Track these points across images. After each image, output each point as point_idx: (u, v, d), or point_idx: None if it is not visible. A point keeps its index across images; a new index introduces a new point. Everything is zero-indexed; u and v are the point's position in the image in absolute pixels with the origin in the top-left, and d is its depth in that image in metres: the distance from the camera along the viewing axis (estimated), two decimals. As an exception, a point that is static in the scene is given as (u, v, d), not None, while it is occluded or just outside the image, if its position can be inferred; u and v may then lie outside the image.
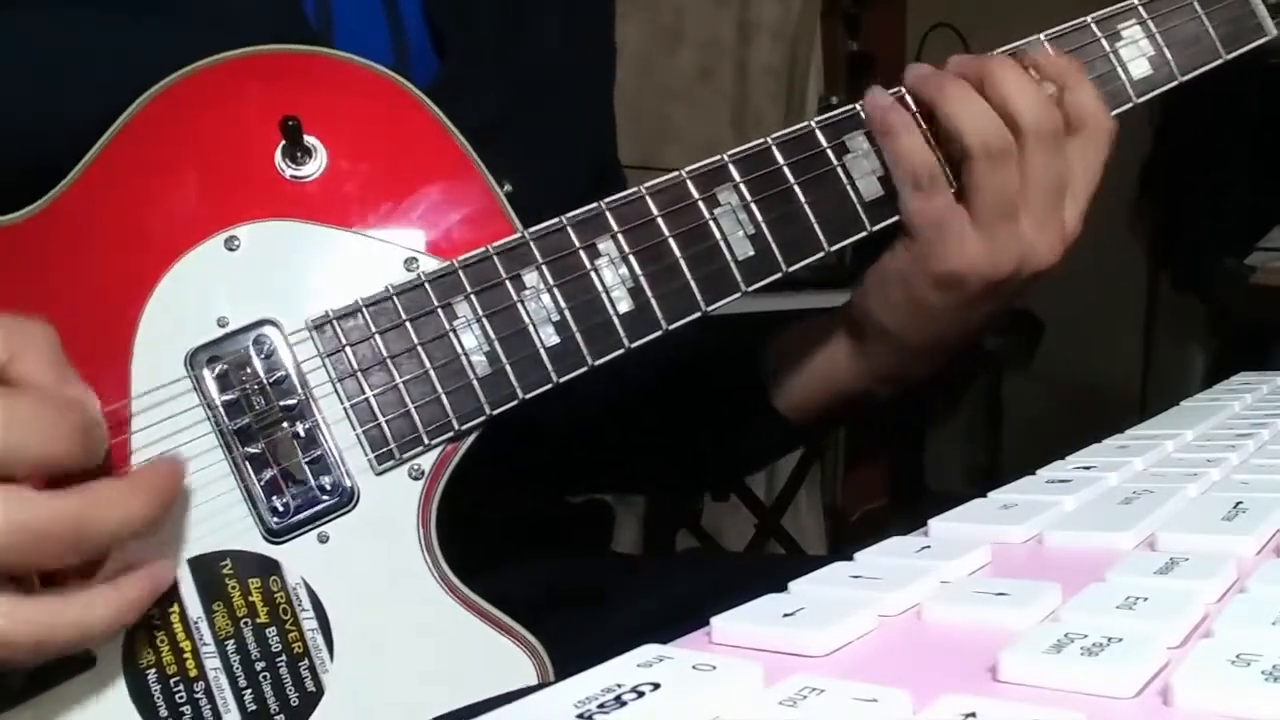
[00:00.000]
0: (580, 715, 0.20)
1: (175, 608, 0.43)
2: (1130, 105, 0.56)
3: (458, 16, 0.57)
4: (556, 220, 0.48)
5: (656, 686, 0.21)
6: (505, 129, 0.55)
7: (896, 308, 0.55)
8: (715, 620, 0.26)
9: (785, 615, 0.26)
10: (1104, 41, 0.56)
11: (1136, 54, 0.56)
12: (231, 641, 0.43)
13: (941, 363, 0.59)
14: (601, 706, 0.20)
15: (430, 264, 0.47)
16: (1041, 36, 0.55)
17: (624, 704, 0.20)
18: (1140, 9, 0.57)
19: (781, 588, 0.29)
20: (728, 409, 0.66)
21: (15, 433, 0.35)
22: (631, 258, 0.48)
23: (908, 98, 0.53)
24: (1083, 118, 0.53)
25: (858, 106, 0.53)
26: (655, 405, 0.66)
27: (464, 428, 0.46)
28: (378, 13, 0.56)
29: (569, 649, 0.45)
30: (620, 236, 0.48)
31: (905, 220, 0.53)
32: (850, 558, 0.31)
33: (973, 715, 0.20)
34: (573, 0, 0.64)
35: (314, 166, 0.47)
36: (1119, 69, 0.56)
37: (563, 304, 0.47)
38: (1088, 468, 0.42)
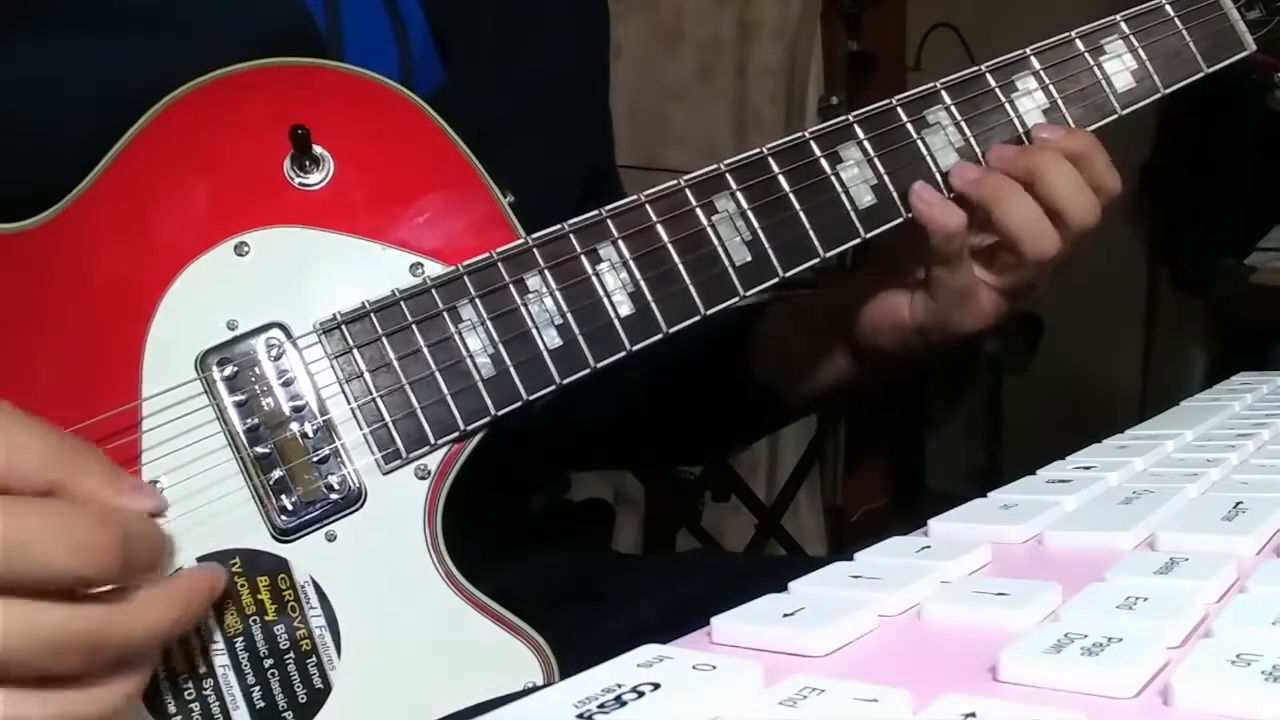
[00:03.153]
0: (580, 715, 0.20)
1: (184, 606, 0.43)
2: (1115, 117, 0.57)
3: (461, 25, 0.58)
4: (559, 226, 0.49)
5: (656, 686, 0.21)
6: (507, 136, 0.56)
7: (906, 344, 0.59)
8: (715, 620, 0.26)
9: (785, 615, 0.26)
10: (1088, 56, 0.57)
11: (1120, 68, 0.57)
12: (240, 639, 0.43)
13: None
14: (601, 706, 0.20)
15: (436, 269, 0.47)
16: (1028, 51, 0.56)
17: (624, 704, 0.20)
18: (1122, 24, 0.58)
19: (781, 588, 0.29)
20: (717, 392, 0.68)
21: (45, 548, 0.34)
22: (632, 263, 0.49)
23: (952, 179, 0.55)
24: (1100, 188, 0.55)
25: (854, 119, 0.54)
26: (646, 383, 0.67)
27: (470, 428, 0.46)
28: (383, 22, 0.57)
29: (569, 649, 0.45)
30: (621, 242, 0.49)
31: (930, 287, 0.56)
32: (850, 558, 0.31)
33: (973, 715, 0.20)
34: (570, 8, 0.65)
35: (322, 175, 0.47)
36: (1103, 82, 0.57)
37: (565, 307, 0.48)
38: (1088, 468, 0.42)
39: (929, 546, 0.32)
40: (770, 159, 0.52)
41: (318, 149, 0.47)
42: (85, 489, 0.37)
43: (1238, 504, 0.33)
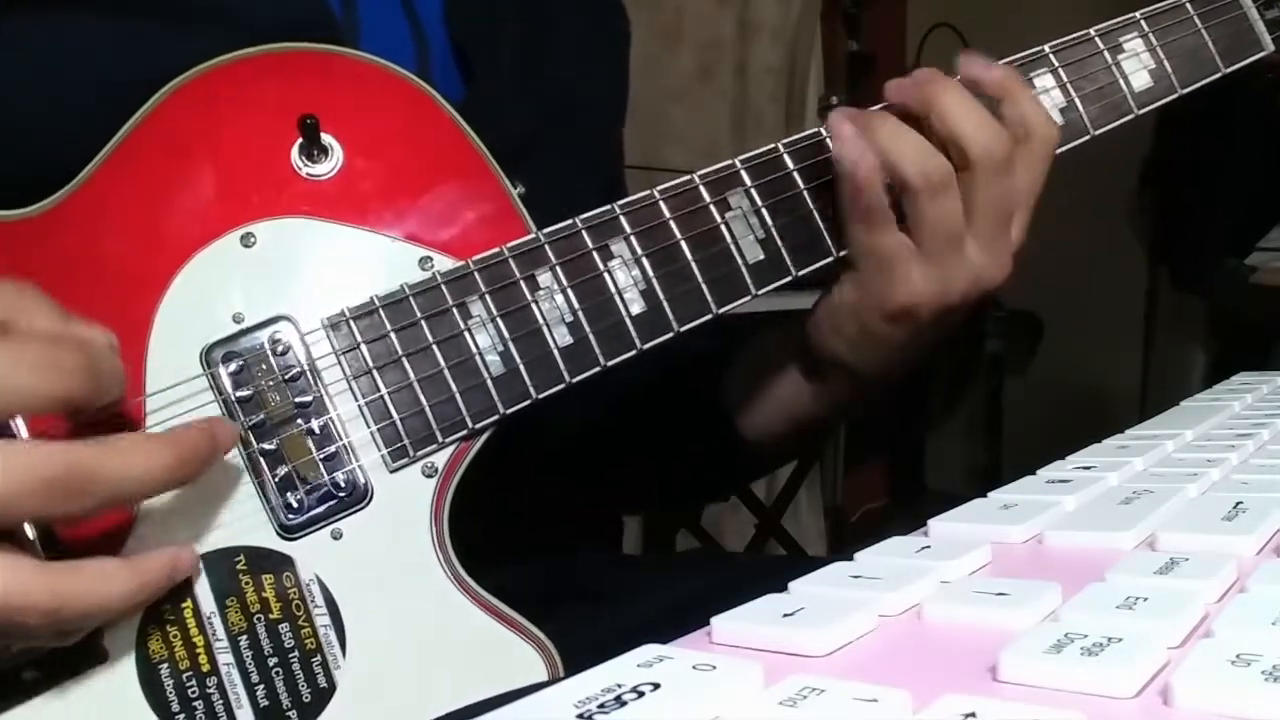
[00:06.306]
0: (580, 715, 0.20)
1: (188, 603, 0.43)
2: (1132, 116, 0.56)
3: (482, 39, 0.58)
4: (570, 222, 0.49)
5: (656, 686, 0.21)
6: (526, 153, 0.56)
7: (849, 340, 0.55)
8: (715, 620, 0.26)
9: (785, 615, 0.26)
10: (1106, 54, 0.56)
11: (1138, 66, 0.57)
12: (245, 637, 0.43)
13: (898, 383, 0.59)
14: (601, 706, 0.20)
15: (445, 263, 0.47)
16: (1046, 48, 0.56)
17: (624, 704, 0.20)
18: (1142, 22, 0.57)
19: (781, 588, 0.29)
20: (694, 439, 0.65)
21: (17, 375, 0.34)
22: (644, 260, 0.49)
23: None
24: (1027, 130, 0.52)
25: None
26: (622, 431, 0.66)
27: (478, 426, 0.46)
28: (403, 33, 0.57)
29: (569, 648, 0.45)
30: (633, 239, 0.49)
31: (852, 256, 0.52)
32: (850, 558, 0.31)
33: (973, 715, 0.20)
34: (591, 31, 0.65)
35: (330, 165, 0.47)
36: (1120, 80, 0.56)
37: (576, 305, 0.48)
38: (1088, 468, 0.42)
39: (929, 546, 0.32)
40: (785, 155, 0.52)
41: (326, 138, 0.47)
42: (37, 325, 0.37)
43: (1238, 504, 0.33)
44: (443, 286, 0.47)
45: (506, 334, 0.47)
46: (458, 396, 0.46)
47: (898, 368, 0.57)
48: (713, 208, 0.50)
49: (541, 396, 0.47)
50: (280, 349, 0.45)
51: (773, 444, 0.63)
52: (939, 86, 0.51)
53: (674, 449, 0.68)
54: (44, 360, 0.35)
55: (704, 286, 0.49)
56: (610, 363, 0.48)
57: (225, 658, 0.43)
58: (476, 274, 0.47)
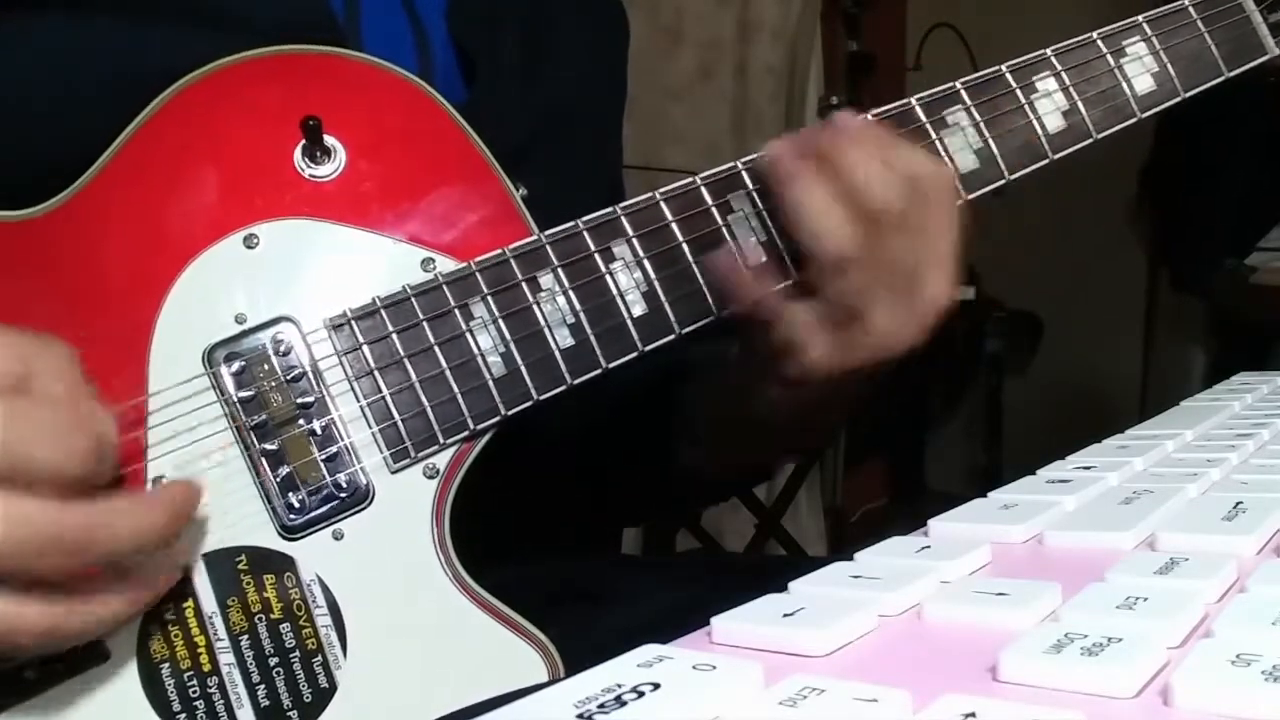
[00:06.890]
0: (580, 715, 0.20)
1: (190, 603, 0.43)
2: (1135, 119, 0.56)
3: (484, 40, 0.58)
4: (572, 224, 0.49)
5: (656, 686, 0.21)
6: (528, 155, 0.56)
7: (761, 402, 0.53)
8: (715, 620, 0.26)
9: (785, 615, 0.26)
10: (1109, 57, 0.56)
11: (1141, 70, 0.56)
12: (246, 637, 0.43)
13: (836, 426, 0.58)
14: (601, 706, 0.20)
15: (447, 265, 0.47)
16: (1049, 51, 0.55)
17: (624, 704, 0.20)
18: (1144, 25, 0.57)
19: (781, 588, 0.29)
20: (651, 460, 0.65)
21: (27, 442, 0.35)
22: (646, 262, 0.49)
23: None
24: (914, 177, 0.48)
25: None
26: (623, 433, 0.65)
27: (479, 427, 0.46)
28: (405, 33, 0.57)
29: (569, 649, 0.45)
30: (635, 241, 0.49)
31: (747, 323, 0.50)
32: (850, 558, 0.32)
33: (973, 715, 0.20)
34: (592, 33, 0.65)
35: (333, 166, 0.47)
36: (1123, 84, 0.56)
37: (578, 306, 0.48)
38: (1088, 468, 0.42)
39: (929, 546, 0.32)
40: None
41: (329, 139, 0.47)
42: (56, 390, 0.37)
43: (1238, 504, 0.33)
44: (445, 288, 0.47)
45: (508, 335, 0.47)
46: (459, 398, 0.46)
47: (826, 420, 0.55)
48: (715, 210, 0.50)
49: (543, 398, 0.47)
50: (282, 350, 0.45)
51: (728, 473, 0.63)
52: (840, 139, 0.48)
53: (673, 451, 0.68)
54: (60, 436, 0.36)
55: (705, 289, 0.50)
56: (611, 365, 0.48)
57: (226, 658, 0.43)
58: (478, 275, 0.47)
